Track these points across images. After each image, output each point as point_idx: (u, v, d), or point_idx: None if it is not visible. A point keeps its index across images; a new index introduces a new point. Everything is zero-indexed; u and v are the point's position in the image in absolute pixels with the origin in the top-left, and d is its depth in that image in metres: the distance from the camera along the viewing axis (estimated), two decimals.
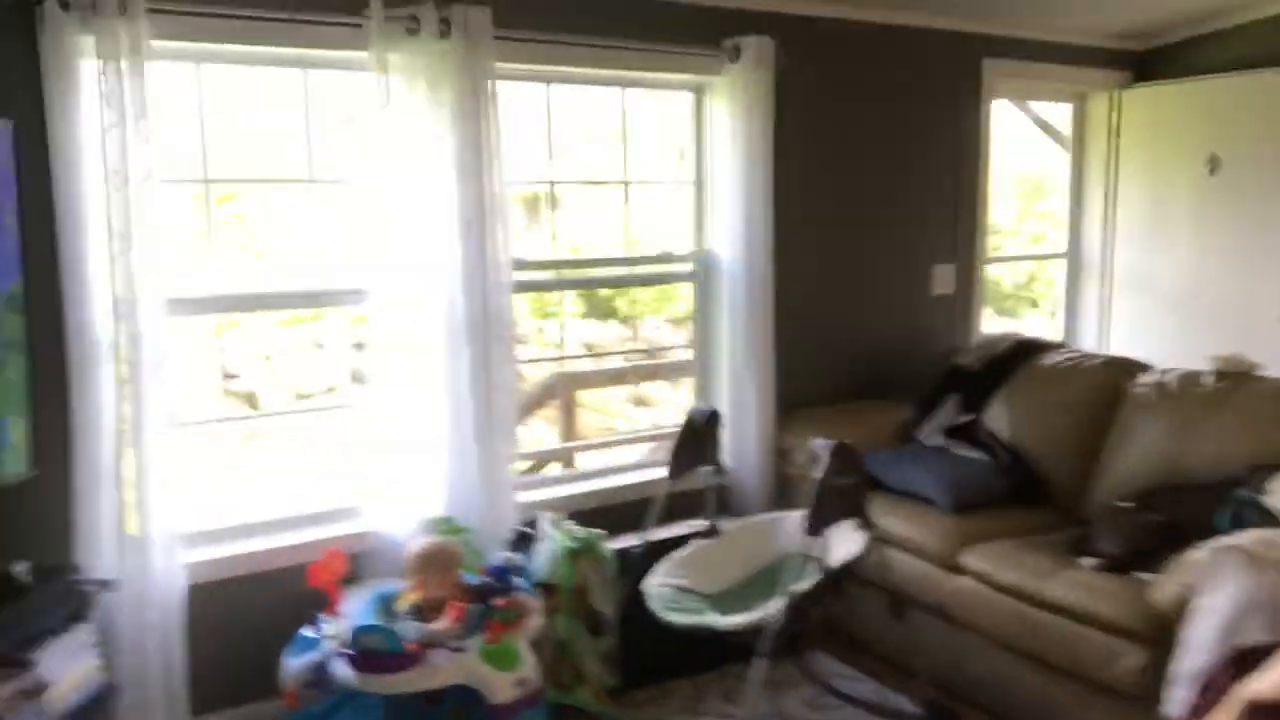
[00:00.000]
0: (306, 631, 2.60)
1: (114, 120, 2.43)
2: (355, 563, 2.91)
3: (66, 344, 2.47)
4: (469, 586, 2.65)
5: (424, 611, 2.56)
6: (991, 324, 4.58)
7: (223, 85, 2.83)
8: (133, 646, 2.54)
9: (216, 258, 2.86)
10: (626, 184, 3.52)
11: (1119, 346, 4.43)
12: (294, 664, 2.53)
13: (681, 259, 3.64)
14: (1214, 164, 4.14)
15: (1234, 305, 4.12)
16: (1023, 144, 4.96)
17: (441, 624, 2.48)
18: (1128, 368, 3.31)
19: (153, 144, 2.49)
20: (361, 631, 2.41)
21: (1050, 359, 3.50)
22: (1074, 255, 4.73)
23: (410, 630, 2.46)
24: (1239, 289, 4.11)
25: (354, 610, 2.63)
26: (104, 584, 2.44)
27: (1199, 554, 2.27)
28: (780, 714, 2.89)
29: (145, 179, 2.49)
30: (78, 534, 2.50)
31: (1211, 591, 1.94)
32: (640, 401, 3.79)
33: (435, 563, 2.60)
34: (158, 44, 2.50)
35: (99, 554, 2.51)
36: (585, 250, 3.66)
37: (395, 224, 2.83)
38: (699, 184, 3.59)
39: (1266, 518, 2.44)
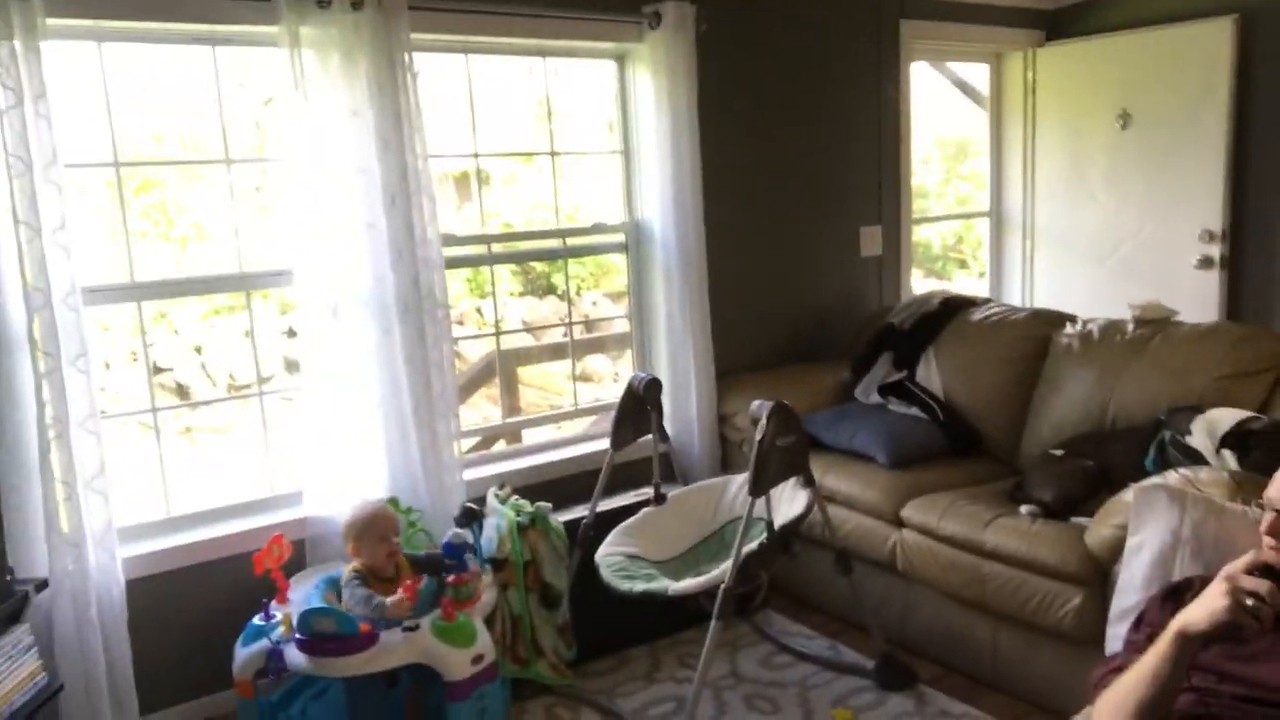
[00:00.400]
0: (256, 620, 2.56)
1: (11, 102, 2.32)
2: (301, 549, 2.87)
3: None
4: (413, 559, 2.65)
5: (370, 580, 2.54)
6: (922, 285, 4.68)
7: (130, 65, 2.72)
8: (74, 645, 2.47)
9: (136, 244, 2.76)
10: (554, 155, 3.49)
11: (1043, 300, 4.58)
12: (245, 653, 2.49)
13: (613, 229, 3.63)
14: (1125, 118, 4.28)
15: (1150, 254, 4.28)
16: (944, 106, 5.05)
17: (395, 597, 2.45)
18: (1052, 320, 3.41)
19: (54, 126, 2.39)
20: (312, 615, 2.37)
21: (977, 314, 3.59)
22: (996, 213, 4.84)
23: (359, 595, 2.46)
24: (1154, 238, 4.27)
25: (302, 596, 2.60)
26: (38, 584, 2.36)
27: (1128, 496, 2.36)
28: (736, 674, 2.93)
29: (49, 163, 2.39)
30: (8, 533, 2.41)
31: (1141, 530, 2.01)
32: (584, 378, 3.77)
33: (369, 528, 2.56)
34: (54, 22, 2.40)
35: (32, 553, 2.43)
36: (518, 226, 3.62)
37: (318, 202, 2.77)
38: (627, 154, 3.58)
39: (1190, 456, 2.55)
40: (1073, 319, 3.36)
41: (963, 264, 5.90)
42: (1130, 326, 3.15)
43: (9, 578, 2.27)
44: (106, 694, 2.52)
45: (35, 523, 2.44)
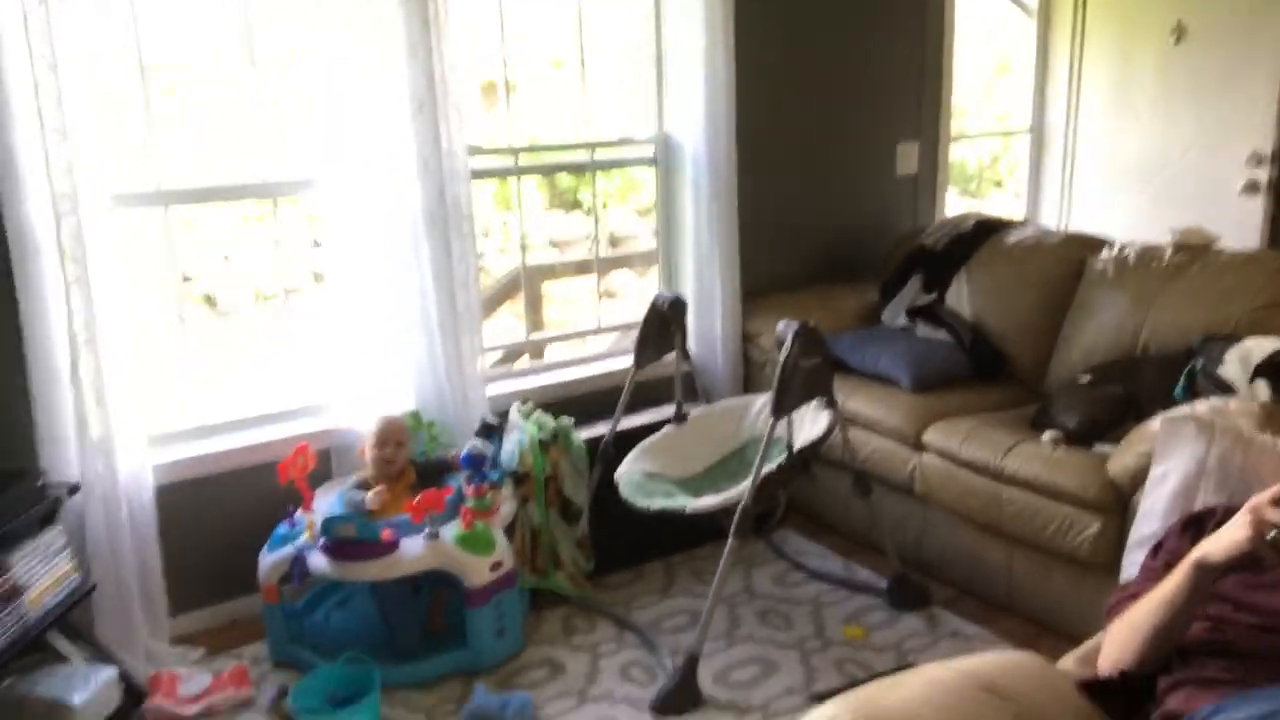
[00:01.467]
0: (281, 527, 2.62)
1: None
2: (326, 459, 2.92)
3: (7, 243, 2.38)
4: (417, 465, 2.80)
5: (371, 487, 2.67)
6: (957, 205, 4.56)
7: None
8: (106, 548, 2.54)
9: (161, 149, 2.74)
10: (584, 64, 3.40)
11: (1081, 223, 4.46)
12: (270, 559, 2.56)
13: (642, 143, 3.56)
14: (1180, 32, 4.08)
15: (1195, 179, 4.14)
16: (990, 17, 4.85)
17: (373, 492, 2.62)
18: (1088, 243, 3.32)
19: (81, 25, 2.35)
20: (334, 521, 2.43)
21: (1011, 237, 3.51)
22: (1038, 131, 4.69)
23: (347, 493, 2.61)
24: (1200, 162, 4.12)
25: (327, 505, 2.66)
26: (71, 488, 2.42)
27: (1154, 424, 2.32)
28: (750, 590, 2.97)
29: (75, 62, 2.35)
30: (39, 438, 2.47)
31: (1166, 459, 1.98)
32: (608, 294, 3.76)
33: (370, 437, 2.70)
34: None
35: (63, 457, 2.48)
36: (545, 139, 3.55)
37: (344, 109, 2.73)
38: (659, 63, 3.48)
39: (1220, 387, 2.50)
40: (1109, 243, 3.27)
41: (998, 184, 5.74)
42: (1169, 252, 3.07)
43: (41, 481, 2.33)
44: (137, 595, 2.60)
45: (66, 427, 2.48)
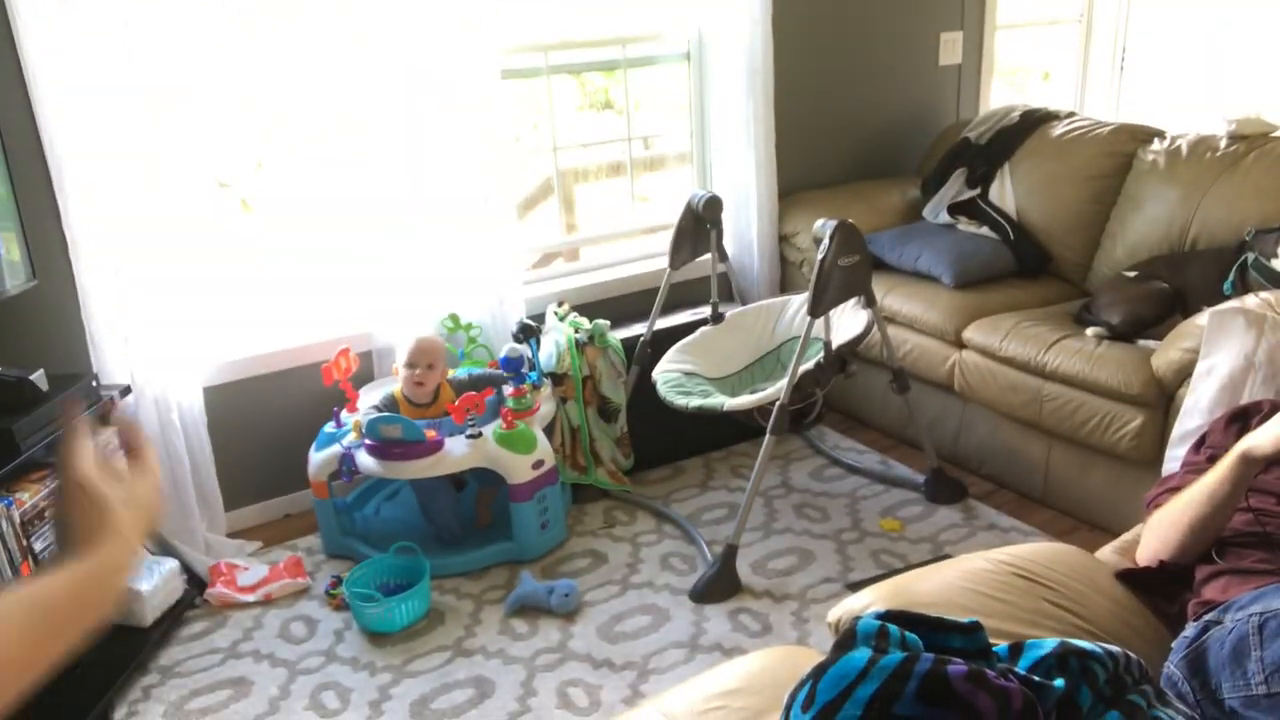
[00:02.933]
0: (327, 427, 2.69)
1: None
2: (369, 361, 2.96)
3: (45, 153, 2.39)
4: (454, 382, 2.75)
5: (403, 406, 2.67)
6: (1003, 98, 4.40)
7: None
8: (160, 448, 2.62)
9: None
10: None
11: (1132, 115, 4.30)
12: (318, 457, 2.63)
13: (674, 38, 3.45)
14: None
15: (1257, 66, 3.95)
16: None
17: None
18: (1138, 134, 3.21)
19: None
20: (380, 422, 2.48)
21: (1058, 129, 3.39)
22: (1088, 18, 4.49)
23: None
24: (1263, 46, 3.93)
25: (369, 406, 2.71)
26: (122, 389, 2.48)
27: (1201, 319, 2.28)
28: (787, 484, 3.02)
29: None
30: (91, 342, 2.53)
31: (1213, 354, 1.96)
32: (642, 196, 3.72)
33: (406, 358, 2.66)
34: None
35: (114, 360, 2.55)
36: (575, 36, 3.47)
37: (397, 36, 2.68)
38: None
39: (1272, 280, 2.44)
40: (1160, 134, 3.16)
41: (1046, 75, 5.53)
42: (1223, 142, 2.96)
43: (95, 383, 2.39)
44: (193, 491, 2.69)
45: (116, 331, 2.54)
